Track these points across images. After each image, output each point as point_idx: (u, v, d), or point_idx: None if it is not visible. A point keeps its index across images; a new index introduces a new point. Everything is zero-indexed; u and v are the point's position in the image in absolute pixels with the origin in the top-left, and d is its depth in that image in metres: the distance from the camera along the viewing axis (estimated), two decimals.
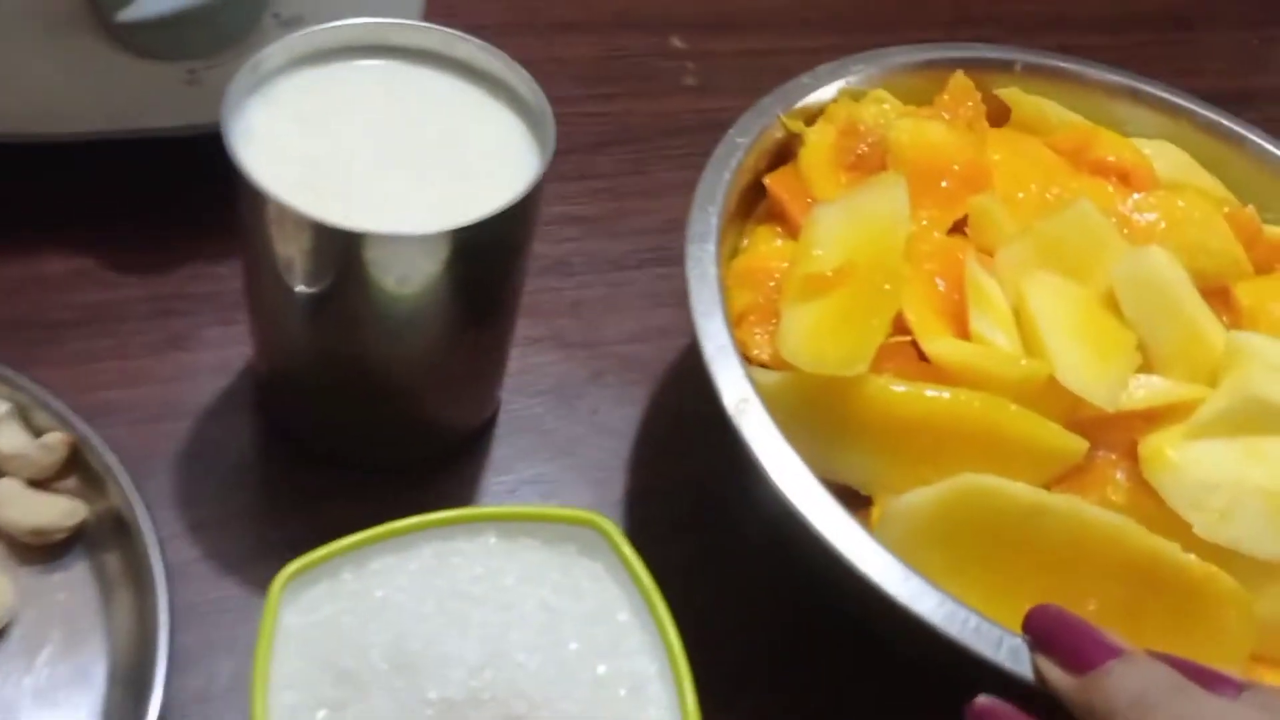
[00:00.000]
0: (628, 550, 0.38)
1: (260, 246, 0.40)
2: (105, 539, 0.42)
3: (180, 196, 0.53)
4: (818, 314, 0.40)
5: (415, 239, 0.37)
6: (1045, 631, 0.33)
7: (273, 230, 0.38)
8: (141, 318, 0.50)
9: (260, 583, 0.43)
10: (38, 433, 0.43)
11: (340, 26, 0.41)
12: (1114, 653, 0.31)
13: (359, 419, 0.46)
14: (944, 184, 0.44)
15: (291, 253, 0.39)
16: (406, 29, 0.42)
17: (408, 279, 0.39)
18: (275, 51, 0.40)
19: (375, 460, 0.47)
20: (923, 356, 0.40)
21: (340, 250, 0.38)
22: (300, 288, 0.40)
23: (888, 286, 0.39)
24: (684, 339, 0.52)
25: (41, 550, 0.42)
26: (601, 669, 0.37)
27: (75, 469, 0.43)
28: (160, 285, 0.51)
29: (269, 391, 0.47)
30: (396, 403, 0.45)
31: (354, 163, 0.40)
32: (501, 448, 0.49)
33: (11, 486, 0.42)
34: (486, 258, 0.40)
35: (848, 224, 0.42)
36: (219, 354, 0.49)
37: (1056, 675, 0.32)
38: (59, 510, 0.42)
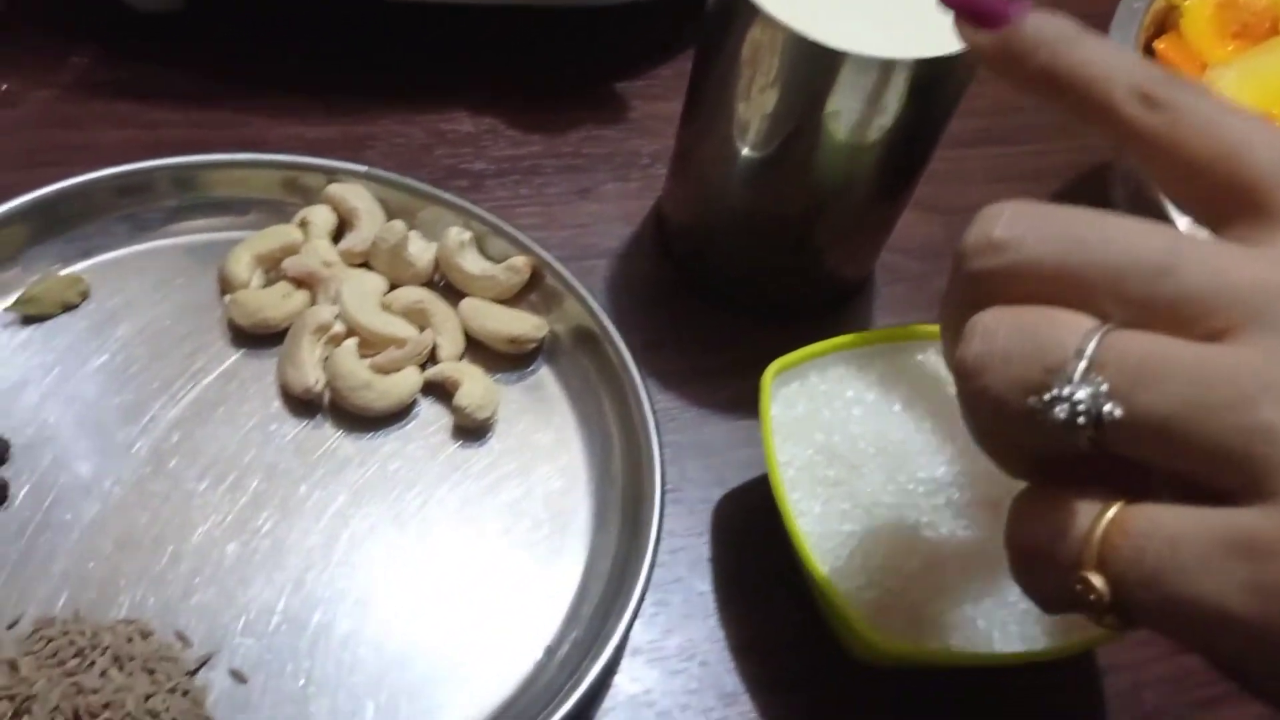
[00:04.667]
0: None
1: (720, 99, 0.44)
2: (568, 352, 0.47)
3: (560, 67, 0.57)
4: None
5: (896, 63, 0.40)
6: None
7: (753, 60, 0.42)
8: (550, 172, 0.54)
9: (695, 398, 0.48)
10: (490, 259, 0.48)
11: None
12: (1023, 7, 0.30)
13: (767, 267, 0.50)
14: None
15: (764, 89, 0.43)
16: None
17: (865, 122, 0.43)
18: None
19: (773, 303, 0.51)
20: None
21: (815, 78, 0.41)
22: (747, 150, 0.45)
23: None
24: None
25: (512, 360, 0.47)
26: None
27: (533, 290, 0.48)
28: (559, 145, 0.55)
29: (679, 241, 0.52)
30: (806, 255, 0.49)
31: (818, 10, 0.43)
32: (881, 297, 0.53)
33: (480, 303, 0.47)
34: (938, 100, 0.44)
35: (1255, 82, 0.46)
36: (620, 206, 0.54)
37: (978, 40, 0.31)
38: (530, 323, 0.46)
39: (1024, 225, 0.26)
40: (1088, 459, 0.26)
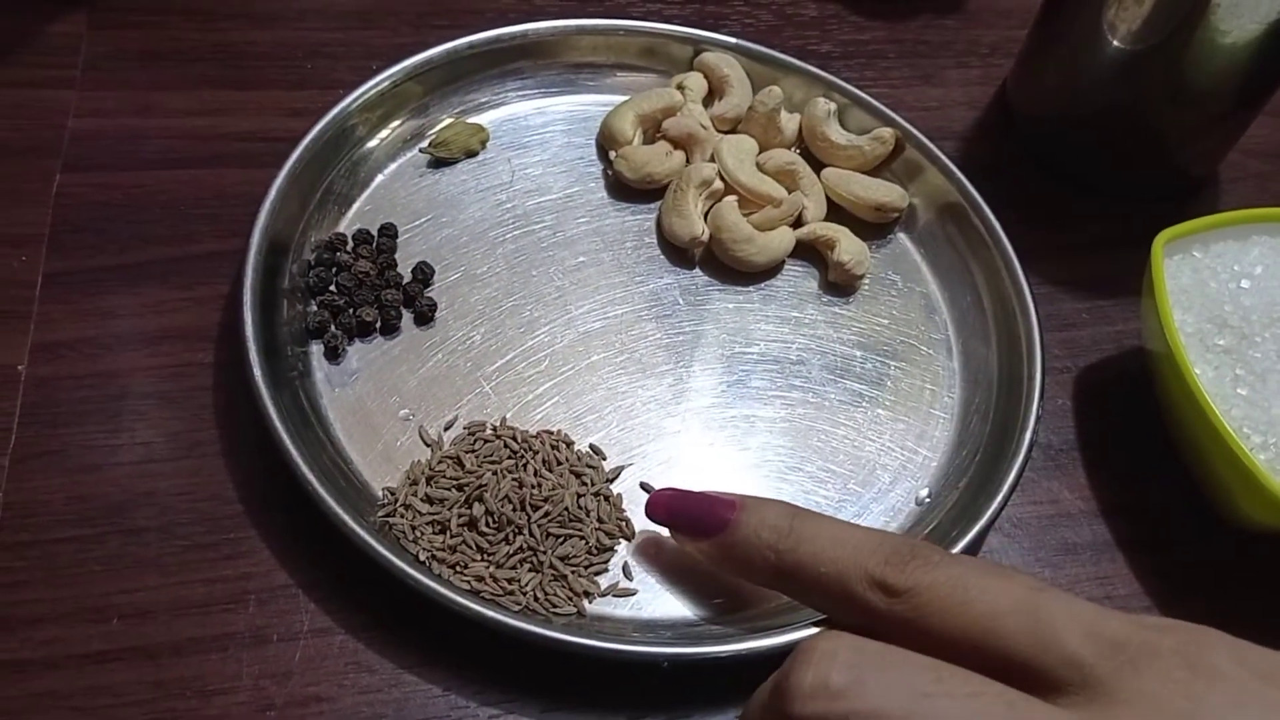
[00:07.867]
0: None
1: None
2: (928, 222, 0.48)
3: None
4: None
5: None
6: (669, 516, 0.35)
7: None
8: (893, 57, 0.55)
9: (1048, 275, 0.49)
10: (848, 131, 0.49)
11: None
12: (730, 507, 0.32)
13: (1120, 158, 0.50)
14: None
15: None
16: None
17: (1249, 14, 0.43)
18: None
19: (1120, 191, 0.51)
20: None
21: None
22: (1117, 44, 0.46)
23: None
24: None
25: (868, 229, 0.48)
26: None
27: (891, 162, 0.49)
28: (901, 32, 0.56)
29: (1029, 128, 0.52)
30: (1161, 149, 0.50)
31: None
32: (1225, 193, 0.53)
33: (844, 171, 0.48)
34: None
35: None
36: (964, 92, 0.55)
37: (699, 548, 0.34)
38: (896, 192, 0.48)
39: (865, 670, 0.25)
40: None
